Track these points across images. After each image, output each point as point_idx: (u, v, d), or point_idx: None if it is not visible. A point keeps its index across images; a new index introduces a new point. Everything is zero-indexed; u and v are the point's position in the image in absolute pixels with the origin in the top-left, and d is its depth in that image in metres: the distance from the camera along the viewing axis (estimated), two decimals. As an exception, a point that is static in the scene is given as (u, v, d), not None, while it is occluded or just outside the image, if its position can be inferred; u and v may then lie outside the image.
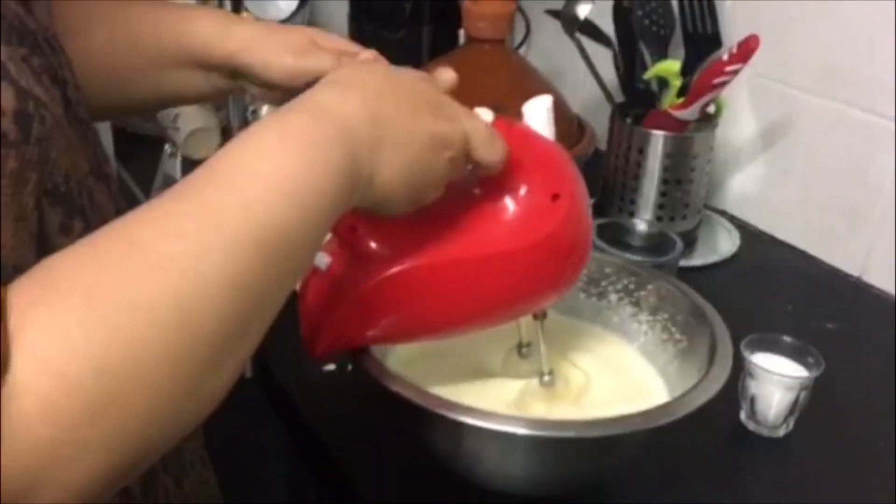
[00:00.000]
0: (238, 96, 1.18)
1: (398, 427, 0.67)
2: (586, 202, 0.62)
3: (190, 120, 1.16)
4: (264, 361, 0.83)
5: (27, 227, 0.43)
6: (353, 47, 0.65)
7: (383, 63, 0.63)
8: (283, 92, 0.64)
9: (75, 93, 0.53)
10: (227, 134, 1.20)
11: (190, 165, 1.13)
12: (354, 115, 0.49)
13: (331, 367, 0.82)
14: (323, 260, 0.60)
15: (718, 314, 0.68)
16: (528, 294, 0.62)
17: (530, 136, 0.61)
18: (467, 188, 0.61)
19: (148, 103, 0.75)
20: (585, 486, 0.67)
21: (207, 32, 0.65)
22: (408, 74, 0.58)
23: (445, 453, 0.63)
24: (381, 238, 0.58)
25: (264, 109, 1.18)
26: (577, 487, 0.67)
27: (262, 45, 0.64)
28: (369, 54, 0.64)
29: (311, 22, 1.41)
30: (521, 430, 0.55)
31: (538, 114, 0.62)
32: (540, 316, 0.66)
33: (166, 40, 0.66)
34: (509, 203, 0.59)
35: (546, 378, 0.67)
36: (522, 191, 0.59)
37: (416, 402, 0.57)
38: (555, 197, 0.58)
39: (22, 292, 0.35)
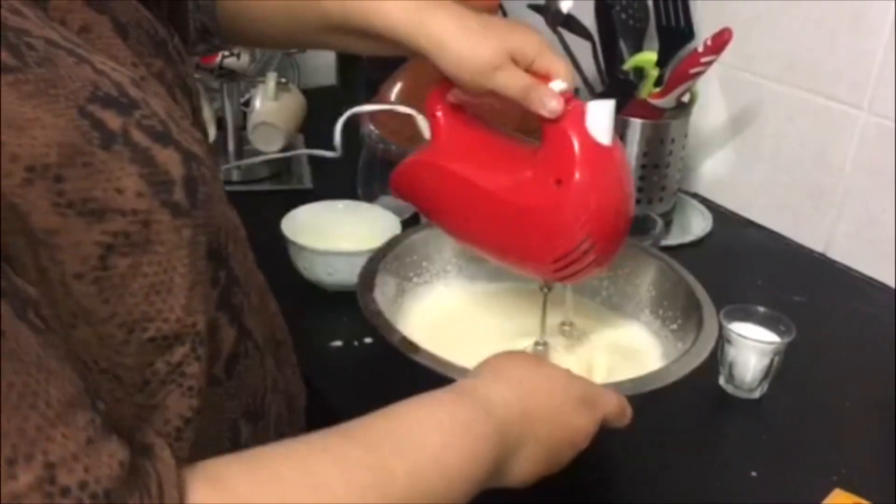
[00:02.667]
0: (231, 88, 1.22)
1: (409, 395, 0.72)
2: (606, 211, 0.63)
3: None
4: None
5: (201, 291, 0.46)
6: (550, 62, 0.64)
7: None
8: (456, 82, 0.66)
9: (199, 103, 0.57)
10: (221, 125, 1.24)
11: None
12: (511, 415, 0.53)
13: (338, 343, 0.87)
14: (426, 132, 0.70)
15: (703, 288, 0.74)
16: (517, 249, 0.68)
17: (578, 122, 0.62)
18: (520, 143, 0.69)
19: (310, 47, 0.78)
20: None
21: (400, 18, 0.65)
22: (553, 368, 0.60)
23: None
24: (451, 135, 0.70)
25: (257, 102, 1.22)
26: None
27: (459, 48, 0.64)
28: (561, 83, 0.63)
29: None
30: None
31: (599, 113, 0.62)
32: (545, 288, 0.71)
33: (354, 12, 0.67)
34: (532, 166, 0.65)
35: (540, 348, 0.73)
36: (542, 163, 0.64)
37: (433, 368, 0.62)
38: (558, 182, 0.63)
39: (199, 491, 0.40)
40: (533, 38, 0.65)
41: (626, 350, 0.76)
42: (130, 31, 0.52)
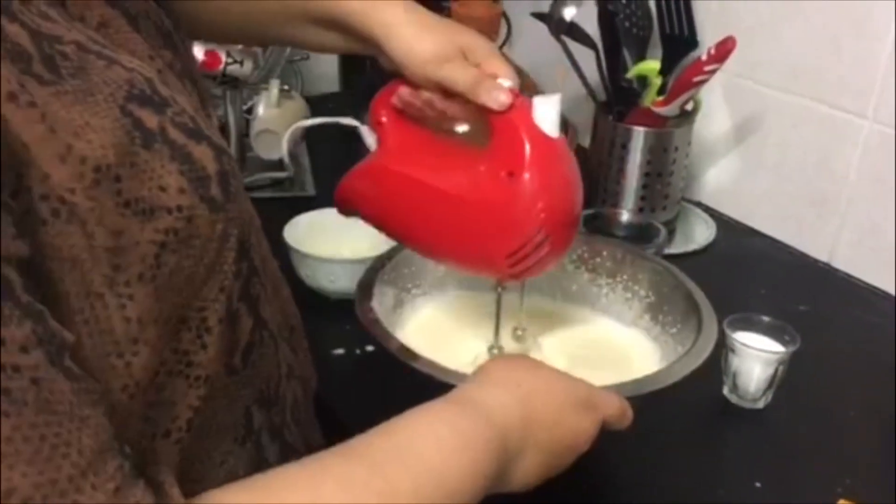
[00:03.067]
0: (234, 95, 1.22)
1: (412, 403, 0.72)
2: (558, 202, 0.63)
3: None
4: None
5: (220, 281, 0.47)
6: (498, 65, 0.64)
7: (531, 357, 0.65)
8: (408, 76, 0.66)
9: (203, 92, 0.57)
10: (224, 132, 1.24)
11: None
12: (511, 421, 0.52)
13: (340, 350, 0.87)
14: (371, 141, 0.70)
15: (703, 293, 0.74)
16: (471, 247, 0.66)
17: (526, 116, 0.62)
18: (466, 144, 0.68)
19: (266, 42, 0.78)
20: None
21: (354, 5, 0.66)
22: (553, 370, 0.59)
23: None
24: (398, 139, 0.69)
25: (260, 109, 1.22)
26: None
27: (409, 36, 0.64)
28: (507, 81, 0.63)
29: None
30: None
31: (547, 108, 0.63)
32: (499, 288, 0.71)
33: (311, 3, 0.68)
34: (482, 161, 0.64)
35: (494, 351, 0.73)
36: (492, 158, 0.63)
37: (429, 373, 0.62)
38: (510, 175, 0.62)
39: None
40: (483, 41, 0.66)
41: (619, 356, 0.77)
42: (141, 23, 0.52)
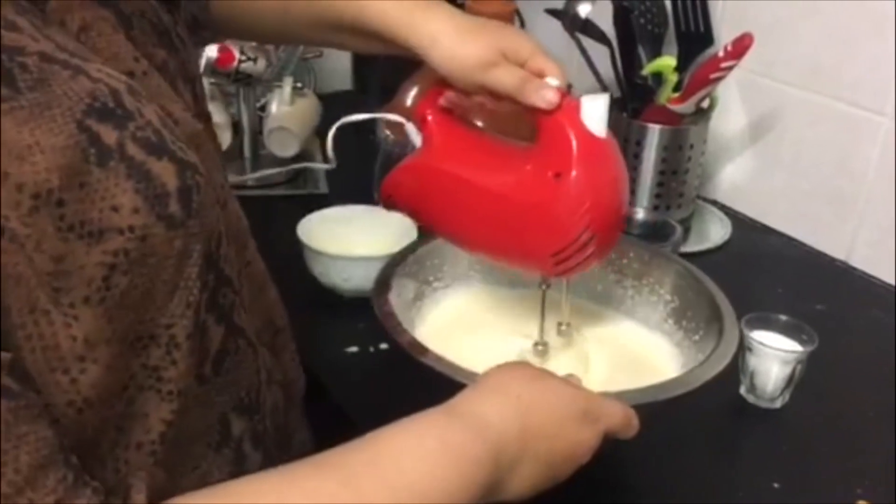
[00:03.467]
0: (247, 92, 1.22)
1: (428, 400, 0.71)
2: (604, 202, 0.63)
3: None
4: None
5: (185, 296, 0.46)
6: (544, 63, 0.64)
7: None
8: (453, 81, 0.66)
9: (201, 88, 0.57)
10: (237, 129, 1.24)
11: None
12: (507, 433, 0.51)
13: (353, 348, 0.86)
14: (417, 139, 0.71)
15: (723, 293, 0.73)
16: (516, 245, 0.67)
17: (573, 116, 0.63)
18: (513, 144, 0.69)
19: (303, 43, 0.83)
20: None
21: (393, 16, 0.65)
22: (555, 380, 0.57)
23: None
24: (443, 138, 0.69)
25: (273, 106, 1.22)
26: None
27: (453, 44, 0.64)
28: (554, 80, 0.63)
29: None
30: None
31: (594, 108, 0.63)
32: (543, 286, 0.71)
33: (348, 10, 0.68)
34: (529, 161, 0.65)
35: (540, 347, 0.73)
36: (539, 158, 0.64)
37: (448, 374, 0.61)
38: (556, 175, 0.62)
39: None
40: (525, 40, 0.66)
41: (641, 359, 0.76)
42: (134, 22, 0.52)
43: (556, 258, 0.64)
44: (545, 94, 0.61)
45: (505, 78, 0.63)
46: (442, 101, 0.69)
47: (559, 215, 0.63)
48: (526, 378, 0.56)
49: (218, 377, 0.52)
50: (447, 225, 0.72)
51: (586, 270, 0.66)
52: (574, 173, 0.62)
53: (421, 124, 0.71)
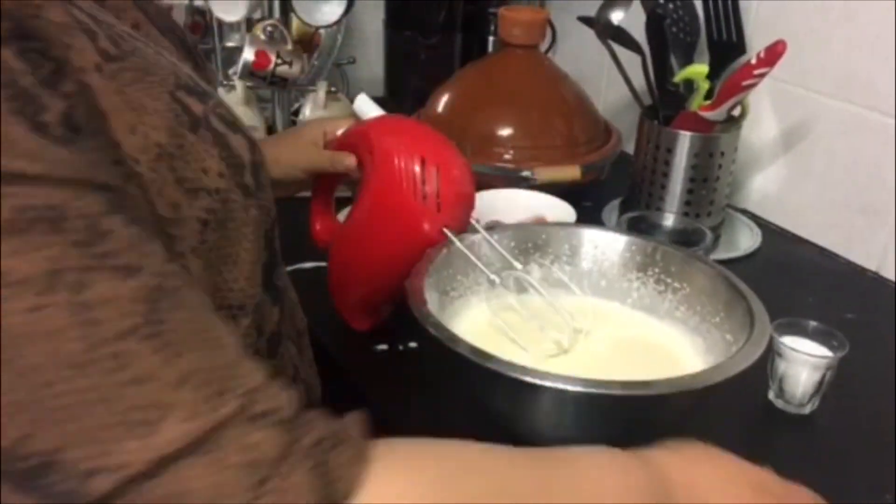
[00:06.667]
0: (282, 96, 1.24)
1: (457, 398, 0.72)
2: (414, 138, 0.77)
3: (236, 114, 1.21)
4: (319, 341, 0.88)
5: (260, 267, 0.50)
6: (336, 125, 0.86)
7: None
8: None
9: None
10: (272, 132, 1.26)
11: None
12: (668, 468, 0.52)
13: (383, 346, 0.87)
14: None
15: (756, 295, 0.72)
16: (396, 229, 0.76)
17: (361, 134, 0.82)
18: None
19: None
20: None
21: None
22: (731, 460, 0.58)
23: (505, 414, 0.68)
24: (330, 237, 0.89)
25: (307, 110, 1.24)
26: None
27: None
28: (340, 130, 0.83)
29: (348, 28, 1.46)
30: (570, 387, 0.59)
31: (367, 105, 0.88)
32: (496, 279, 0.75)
33: None
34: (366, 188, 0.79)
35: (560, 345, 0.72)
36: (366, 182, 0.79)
37: (487, 365, 0.61)
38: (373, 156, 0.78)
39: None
40: (318, 129, 0.86)
41: (670, 360, 0.76)
42: (167, 36, 0.55)
43: (426, 203, 0.73)
44: (342, 160, 0.81)
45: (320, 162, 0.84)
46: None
47: (397, 172, 0.74)
48: (703, 461, 0.57)
49: (273, 359, 0.54)
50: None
51: (463, 209, 0.75)
52: (380, 145, 0.76)
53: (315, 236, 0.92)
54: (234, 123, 0.48)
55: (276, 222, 0.54)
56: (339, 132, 0.84)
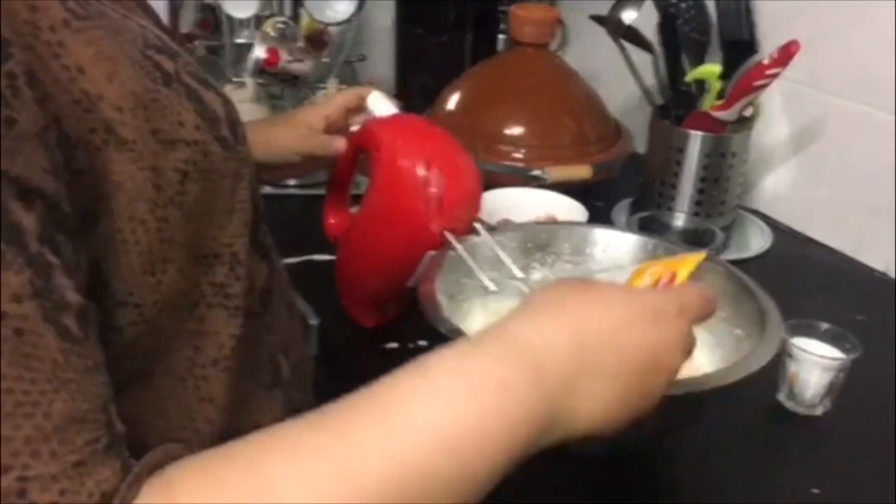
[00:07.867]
0: (292, 94, 1.24)
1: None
2: (423, 142, 0.77)
3: (246, 111, 1.21)
4: (328, 339, 0.89)
5: (242, 217, 0.51)
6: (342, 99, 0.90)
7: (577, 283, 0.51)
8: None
9: None
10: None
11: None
12: (552, 349, 0.43)
13: (393, 344, 0.87)
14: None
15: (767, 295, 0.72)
16: (403, 231, 0.76)
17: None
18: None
19: None
20: (638, 444, 0.71)
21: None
22: (610, 286, 0.49)
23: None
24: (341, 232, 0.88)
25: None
26: (629, 445, 0.70)
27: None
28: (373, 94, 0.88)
29: (358, 25, 1.46)
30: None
31: (380, 102, 0.87)
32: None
33: None
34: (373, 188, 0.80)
35: None
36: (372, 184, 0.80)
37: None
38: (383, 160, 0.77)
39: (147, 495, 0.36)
40: (314, 113, 0.88)
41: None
42: (151, 13, 0.57)
43: (428, 207, 0.73)
44: (331, 144, 0.86)
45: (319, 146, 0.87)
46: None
47: (405, 174, 0.74)
48: (571, 289, 0.47)
49: (266, 314, 0.55)
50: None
51: (466, 214, 0.75)
52: (388, 144, 0.76)
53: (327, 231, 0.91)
54: (205, 81, 0.49)
55: (255, 178, 0.55)
56: (341, 101, 0.89)
